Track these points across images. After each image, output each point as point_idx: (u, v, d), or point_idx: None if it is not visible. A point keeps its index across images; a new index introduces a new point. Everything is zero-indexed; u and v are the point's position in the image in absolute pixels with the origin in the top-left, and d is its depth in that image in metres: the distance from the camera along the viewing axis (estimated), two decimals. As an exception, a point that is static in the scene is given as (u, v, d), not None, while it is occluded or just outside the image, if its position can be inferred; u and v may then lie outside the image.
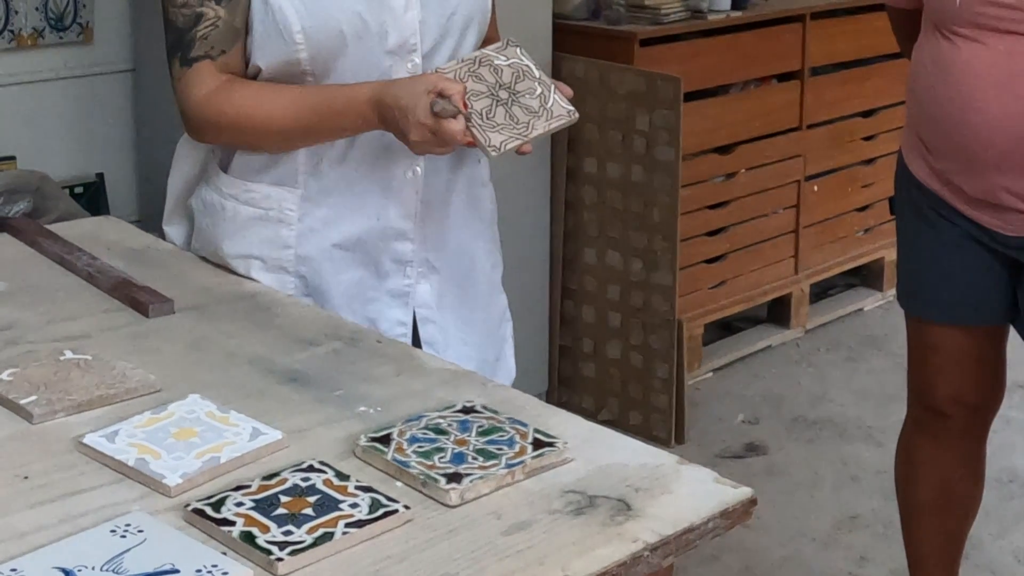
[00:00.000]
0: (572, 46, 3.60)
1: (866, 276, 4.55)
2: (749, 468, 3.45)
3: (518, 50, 1.75)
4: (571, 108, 1.72)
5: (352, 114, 1.72)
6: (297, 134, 1.77)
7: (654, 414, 3.61)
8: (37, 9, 3.12)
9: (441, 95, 1.64)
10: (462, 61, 1.73)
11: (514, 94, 1.71)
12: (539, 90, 1.72)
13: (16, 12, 3.09)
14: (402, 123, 1.66)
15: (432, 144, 1.67)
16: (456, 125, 1.64)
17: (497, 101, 1.69)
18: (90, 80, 3.25)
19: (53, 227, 2.07)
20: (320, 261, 1.83)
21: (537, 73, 1.73)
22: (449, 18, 1.80)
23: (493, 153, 1.67)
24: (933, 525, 2.50)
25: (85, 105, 3.26)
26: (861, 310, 4.47)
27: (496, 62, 1.73)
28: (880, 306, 4.49)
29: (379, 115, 1.69)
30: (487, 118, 1.68)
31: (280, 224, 1.82)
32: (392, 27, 1.76)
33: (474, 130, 1.66)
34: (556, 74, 3.48)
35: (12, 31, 3.10)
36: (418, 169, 1.82)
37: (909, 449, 2.50)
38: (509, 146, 1.67)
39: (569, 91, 1.75)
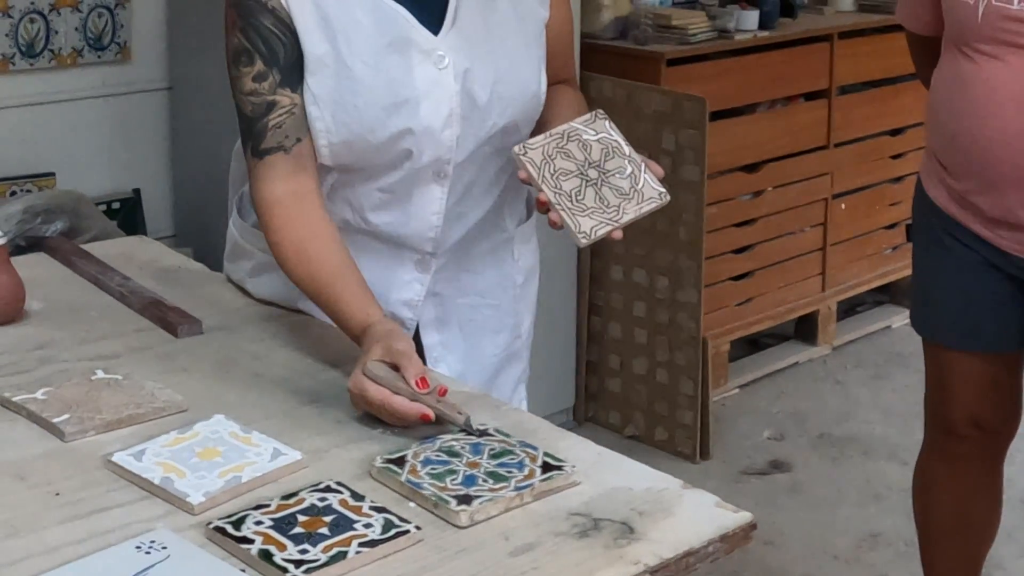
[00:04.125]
0: (599, 65, 3.63)
1: (894, 293, 4.54)
2: (773, 485, 3.48)
3: (607, 123, 1.68)
4: (662, 190, 1.65)
5: (345, 331, 1.65)
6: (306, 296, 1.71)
7: (679, 430, 3.64)
8: (76, 29, 3.20)
9: (395, 368, 1.50)
10: (550, 135, 1.64)
11: (604, 173, 1.63)
12: (629, 169, 1.65)
13: (56, 32, 3.17)
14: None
15: (360, 402, 1.53)
16: (376, 394, 1.49)
17: (587, 181, 1.62)
18: (128, 98, 3.33)
19: (88, 246, 2.13)
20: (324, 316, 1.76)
21: (627, 150, 1.66)
22: (489, 130, 1.71)
23: (584, 240, 1.59)
24: (950, 548, 2.50)
25: (123, 122, 3.33)
26: (889, 327, 4.47)
27: (584, 137, 1.65)
28: (908, 324, 4.45)
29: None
30: (576, 200, 1.60)
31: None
32: (428, 147, 1.68)
33: (563, 213, 1.59)
34: (583, 93, 3.51)
35: (52, 51, 3.18)
36: (430, 263, 1.77)
37: (926, 472, 2.50)
38: (600, 232, 1.59)
39: (660, 170, 1.67)
